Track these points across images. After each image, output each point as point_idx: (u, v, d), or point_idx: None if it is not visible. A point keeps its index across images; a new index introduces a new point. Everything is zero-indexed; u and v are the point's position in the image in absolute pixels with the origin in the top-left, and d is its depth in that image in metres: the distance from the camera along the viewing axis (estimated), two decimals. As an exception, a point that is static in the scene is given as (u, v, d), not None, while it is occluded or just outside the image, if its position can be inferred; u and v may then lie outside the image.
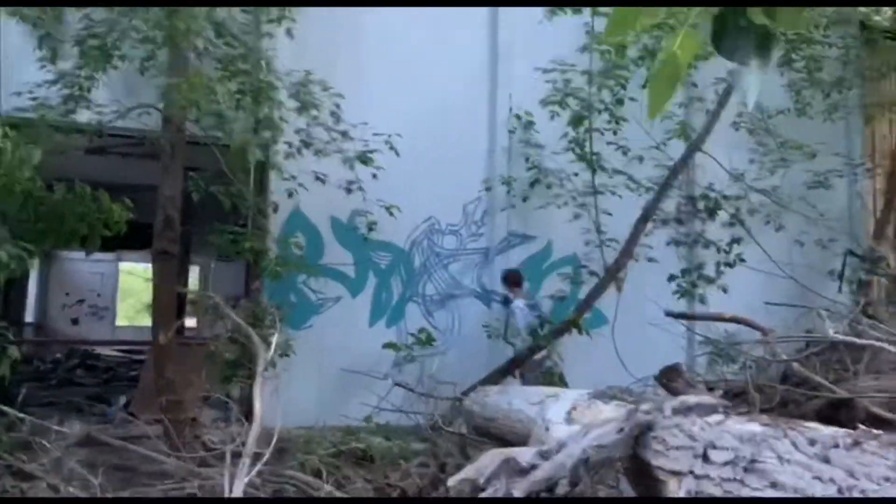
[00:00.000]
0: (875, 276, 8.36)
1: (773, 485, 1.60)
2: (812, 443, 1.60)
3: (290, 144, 6.69)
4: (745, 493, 1.67)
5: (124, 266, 18.77)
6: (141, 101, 6.22)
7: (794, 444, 1.64)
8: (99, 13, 6.04)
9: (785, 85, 8.12)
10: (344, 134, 6.70)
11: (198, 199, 6.41)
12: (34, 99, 5.92)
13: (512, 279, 7.52)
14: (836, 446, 1.53)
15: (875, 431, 1.54)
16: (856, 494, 1.36)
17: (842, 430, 1.63)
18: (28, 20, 5.99)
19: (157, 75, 6.31)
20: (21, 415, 4.40)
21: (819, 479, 1.48)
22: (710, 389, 5.08)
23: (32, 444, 4.26)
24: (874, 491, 1.34)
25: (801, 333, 6.00)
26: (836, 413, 4.51)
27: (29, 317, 14.24)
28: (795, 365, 5.07)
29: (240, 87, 6.30)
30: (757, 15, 1.39)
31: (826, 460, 1.51)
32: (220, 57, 6.42)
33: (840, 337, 4.93)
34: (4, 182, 4.54)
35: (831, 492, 1.41)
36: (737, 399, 5.00)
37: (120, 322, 19.03)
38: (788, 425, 1.79)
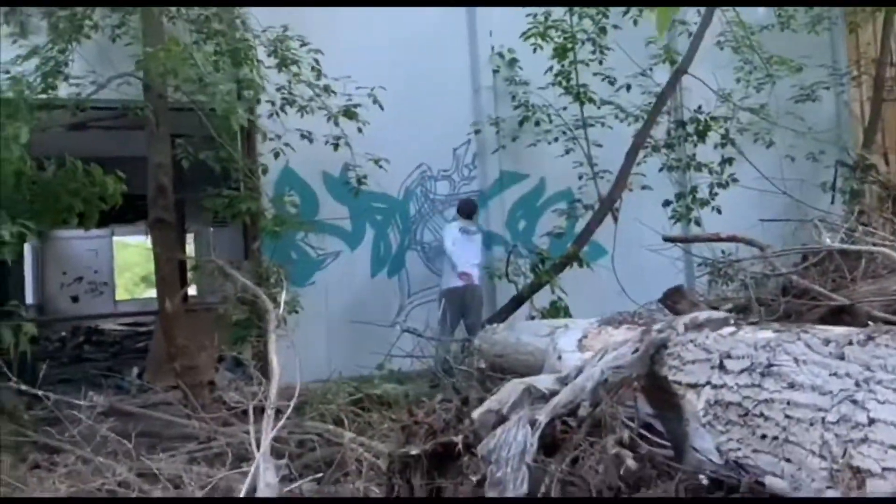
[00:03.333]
0: (866, 184, 8.43)
1: (791, 385, 1.67)
2: (826, 342, 1.66)
3: (272, 103, 6.63)
4: (764, 396, 1.74)
5: (118, 240, 18.71)
6: (119, 71, 6.12)
7: (809, 346, 1.70)
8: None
9: (767, -1, 8.05)
10: (326, 89, 6.63)
11: (188, 165, 6.39)
12: (10, 77, 5.82)
13: (460, 209, 7.42)
14: (851, 343, 1.59)
15: (887, 326, 1.61)
16: (872, 385, 1.43)
17: (855, 328, 1.69)
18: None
19: (131, 42, 6.20)
20: (43, 393, 4.46)
21: (836, 374, 1.54)
22: (714, 308, 5.18)
23: (60, 419, 4.34)
24: (890, 380, 1.41)
25: (797, 246, 6.08)
26: (839, 320, 4.63)
27: (29, 298, 14.24)
28: (795, 277, 5.16)
29: (216, 48, 6.21)
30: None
31: (842, 357, 1.58)
32: (193, 19, 6.31)
33: (836, 245, 5.02)
34: (-6, 164, 4.51)
35: (849, 385, 1.48)
36: (741, 315, 5.10)
37: (120, 296, 19.09)
38: (801, 329, 1.86)
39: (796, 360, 1.70)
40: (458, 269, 6.89)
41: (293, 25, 6.59)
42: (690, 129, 7.72)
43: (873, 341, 1.54)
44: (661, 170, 7.83)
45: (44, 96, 5.73)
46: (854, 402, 1.44)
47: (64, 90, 5.98)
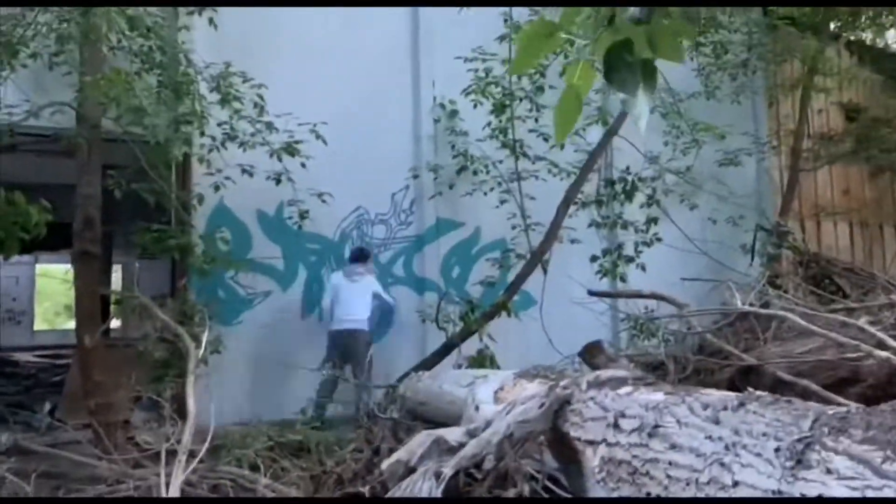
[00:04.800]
0: (782, 248, 8.89)
1: (673, 447, 1.77)
2: (705, 407, 1.77)
3: (213, 138, 6.61)
4: (650, 455, 1.84)
5: (41, 268, 18.03)
6: (52, 99, 6.03)
7: (691, 409, 1.81)
8: (3, 9, 5.81)
9: (695, 69, 8.50)
10: (268, 125, 6.66)
11: (119, 196, 6.29)
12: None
13: (353, 256, 7.43)
14: (725, 408, 1.71)
15: (758, 393, 1.73)
16: (739, 450, 1.54)
17: (732, 394, 1.81)
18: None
19: (68, 72, 6.13)
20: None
21: (710, 438, 1.65)
22: (633, 362, 5.35)
23: (-44, 456, 4.15)
24: (753, 445, 1.52)
25: (714, 306, 6.35)
26: (747, 379, 4.84)
27: (-60, 325, 13.56)
28: (709, 336, 5.39)
29: (159, 80, 6.19)
30: (643, 49, 1.55)
31: (716, 421, 1.69)
32: (135, 51, 6.29)
33: (746, 308, 5.27)
34: (-90, 187, 4.36)
35: (720, 448, 1.59)
36: (657, 371, 5.29)
37: (38, 326, 18.31)
38: (687, 392, 1.98)
39: (679, 423, 1.80)
40: (338, 325, 6.94)
41: (236, 60, 6.63)
42: (619, 188, 8.02)
43: (744, 407, 1.66)
44: (590, 225, 8.08)
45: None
46: (722, 464, 1.55)
47: (-7, 116, 5.86)
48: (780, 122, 10.19)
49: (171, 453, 3.73)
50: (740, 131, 8.86)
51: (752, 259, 8.73)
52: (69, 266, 12.92)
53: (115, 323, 10.54)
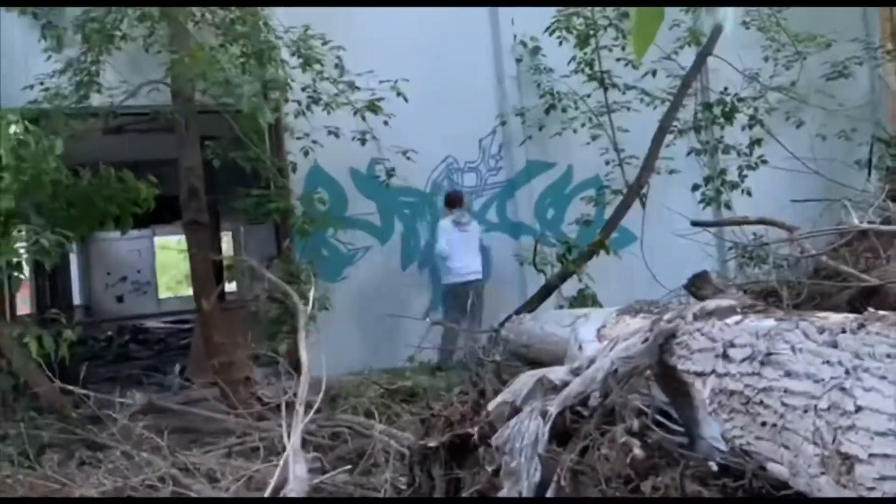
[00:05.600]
0: (904, 159, 8.23)
1: (788, 374, 1.69)
2: (821, 331, 1.68)
3: (298, 103, 6.74)
4: (763, 384, 1.77)
5: (159, 240, 19.17)
6: (149, 78, 6.31)
7: (805, 334, 1.72)
8: (95, -3, 6.08)
9: (794, -26, 7.87)
10: (350, 85, 6.72)
11: (219, 166, 6.56)
12: (46, 90, 6.05)
13: (448, 200, 7.41)
14: (844, 331, 1.61)
15: (881, 312, 1.62)
16: (860, 373, 1.45)
17: (851, 316, 1.71)
18: (28, 12, 6.06)
19: (160, 51, 6.38)
20: (84, 393, 4.67)
21: (828, 362, 1.57)
22: (744, 292, 5.14)
23: (101, 417, 4.54)
24: (877, 368, 1.43)
25: (826, 228, 5.99)
26: (869, 301, 4.56)
27: (77, 299, 14.73)
28: (824, 258, 5.10)
29: (242, 50, 6.35)
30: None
31: (834, 345, 1.60)
32: (217, 23, 6.45)
33: (865, 225, 4.94)
34: (32, 174, 4.71)
35: (839, 373, 1.51)
36: (770, 298, 5.06)
37: (163, 294, 19.57)
38: (801, 317, 1.88)
39: (793, 349, 1.72)
40: (459, 279, 6.92)
41: (314, 24, 6.68)
42: (717, 111, 7.63)
43: (864, 329, 1.56)
44: (688, 153, 7.76)
45: (78, 106, 5.93)
46: (843, 389, 1.47)
47: (97, 100, 6.19)
48: (894, 23, 9.31)
49: (290, 405, 3.92)
50: (849, 38, 8.16)
51: (870, 174, 8.13)
52: (183, 237, 13.67)
53: (229, 287, 11.14)
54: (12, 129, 4.59)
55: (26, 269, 5.11)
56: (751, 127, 7.68)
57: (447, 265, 7.10)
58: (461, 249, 7.09)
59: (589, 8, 7.15)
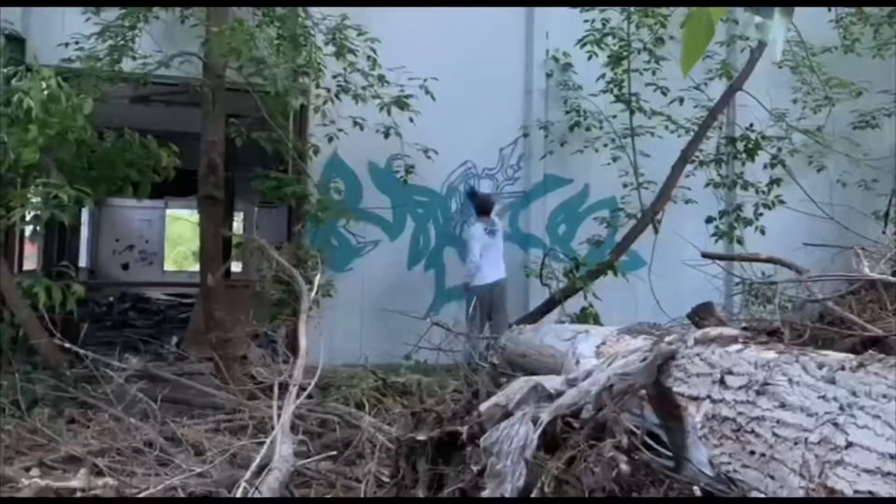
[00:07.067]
0: (921, 215, 8.19)
1: (782, 405, 1.70)
2: (820, 366, 1.68)
3: (328, 90, 6.78)
4: (756, 413, 1.78)
5: (171, 213, 19.27)
6: (182, 50, 6.37)
7: (804, 368, 1.73)
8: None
9: (832, 20, 7.85)
10: (381, 79, 6.75)
11: (240, 144, 6.60)
12: (80, 49, 6.12)
13: (481, 208, 7.29)
14: (843, 368, 1.62)
15: (881, 355, 1.62)
16: (855, 411, 1.46)
17: (851, 355, 1.72)
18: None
19: (196, 24, 6.43)
20: (83, 352, 4.70)
21: (823, 397, 1.57)
22: (745, 329, 5.13)
23: (96, 377, 4.57)
24: (872, 406, 1.44)
25: (836, 273, 5.96)
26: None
27: (82, 262, 14.82)
28: (830, 304, 5.08)
29: (279, 32, 6.40)
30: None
31: (832, 381, 1.60)
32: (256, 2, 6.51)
33: (874, 275, 4.92)
34: (59, 130, 4.75)
35: (833, 408, 1.51)
36: (771, 337, 5.04)
37: (168, 267, 19.65)
38: (801, 352, 1.89)
39: (790, 381, 1.73)
40: (486, 282, 6.94)
41: (351, 14, 6.73)
42: (741, 146, 7.61)
43: (864, 368, 1.56)
44: (707, 185, 7.74)
45: (109, 70, 5.99)
46: (836, 424, 1.47)
47: (129, 66, 6.25)
48: (927, 80, 9.27)
49: (283, 387, 3.94)
50: (879, 89, 8.14)
51: (886, 225, 8.09)
52: (195, 211, 13.74)
53: (235, 267, 11.19)
54: (44, 84, 4.64)
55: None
56: (772, 166, 7.67)
57: (479, 273, 7.07)
58: (492, 256, 7.10)
59: (623, 28, 7.17)
